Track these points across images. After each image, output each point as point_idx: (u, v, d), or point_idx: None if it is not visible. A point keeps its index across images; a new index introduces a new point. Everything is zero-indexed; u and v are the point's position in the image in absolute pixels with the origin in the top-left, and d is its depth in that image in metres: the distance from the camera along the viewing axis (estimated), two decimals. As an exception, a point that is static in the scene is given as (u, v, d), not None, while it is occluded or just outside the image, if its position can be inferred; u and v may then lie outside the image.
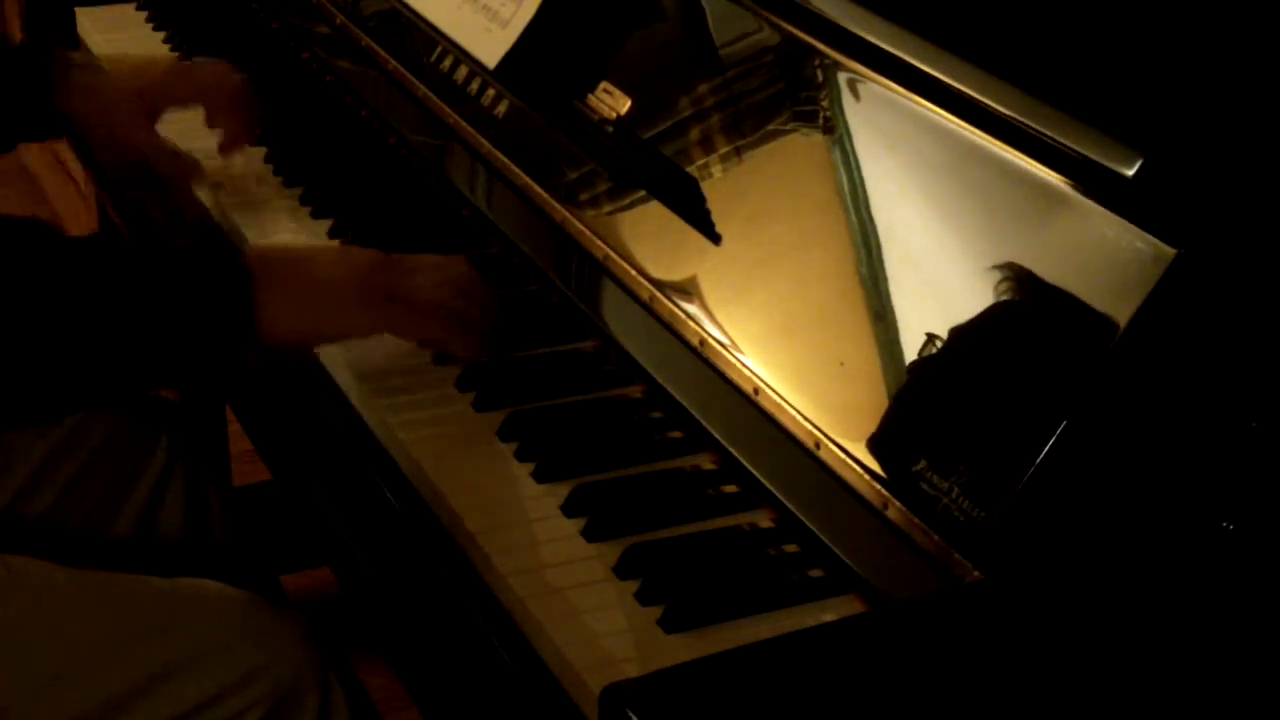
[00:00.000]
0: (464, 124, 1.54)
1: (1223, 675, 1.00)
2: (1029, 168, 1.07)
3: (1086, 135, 1.05)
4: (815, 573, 1.10)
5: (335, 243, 1.50)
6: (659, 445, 1.24)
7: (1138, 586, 0.98)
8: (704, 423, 1.22)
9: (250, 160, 1.64)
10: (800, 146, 1.24)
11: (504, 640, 1.06)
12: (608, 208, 1.36)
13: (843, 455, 1.09)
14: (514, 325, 1.37)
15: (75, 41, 1.96)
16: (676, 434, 1.24)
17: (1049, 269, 1.04)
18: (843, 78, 1.22)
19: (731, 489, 1.19)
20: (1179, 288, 0.98)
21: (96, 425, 1.53)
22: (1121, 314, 0.99)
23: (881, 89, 1.18)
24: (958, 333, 1.07)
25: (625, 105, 1.39)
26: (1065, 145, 1.06)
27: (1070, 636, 0.96)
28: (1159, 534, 0.99)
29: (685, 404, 1.24)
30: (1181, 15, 1.15)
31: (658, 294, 1.27)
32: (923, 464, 1.04)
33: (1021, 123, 1.08)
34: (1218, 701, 1.01)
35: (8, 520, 1.48)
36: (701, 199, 1.28)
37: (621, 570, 1.09)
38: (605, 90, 1.41)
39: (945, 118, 1.13)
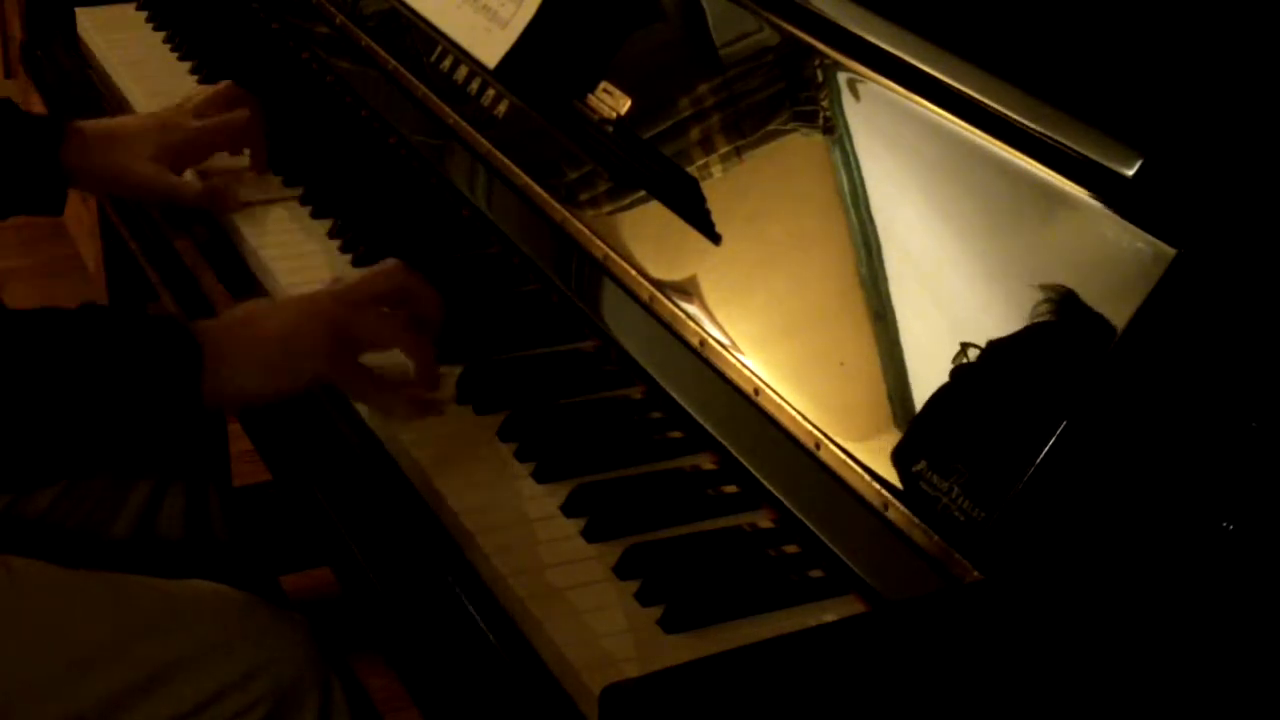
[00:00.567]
0: (464, 124, 1.54)
1: (1223, 675, 1.01)
2: (1029, 168, 1.07)
3: (1086, 135, 1.05)
4: (815, 573, 1.10)
5: (335, 244, 1.50)
6: (659, 445, 1.23)
7: (1138, 586, 0.98)
8: (704, 423, 1.22)
9: (250, 161, 1.64)
10: (800, 146, 1.24)
11: (503, 640, 1.06)
12: (608, 208, 1.36)
13: (843, 455, 1.09)
14: (514, 325, 1.37)
15: (75, 42, 1.96)
16: (676, 434, 1.24)
17: (1049, 269, 1.04)
18: (843, 78, 1.22)
19: (731, 489, 1.19)
20: (1179, 288, 0.98)
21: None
22: (1121, 314, 0.99)
23: (881, 89, 1.18)
24: (957, 333, 1.07)
25: (625, 105, 1.39)
26: (1065, 145, 1.06)
27: (1070, 637, 0.96)
28: (1159, 534, 0.99)
29: (685, 404, 1.24)
30: (1181, 15, 1.15)
31: (658, 294, 1.27)
32: (923, 464, 1.04)
33: (1021, 123, 1.08)
34: (1218, 701, 1.01)
35: (7, 521, 1.48)
36: (701, 199, 1.28)
37: (621, 570, 1.09)
38: (605, 90, 1.41)
39: (945, 118, 1.13)
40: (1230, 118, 1.08)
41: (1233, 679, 1.01)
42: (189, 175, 1.58)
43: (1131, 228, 1.00)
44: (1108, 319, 0.99)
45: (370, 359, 1.26)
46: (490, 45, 1.55)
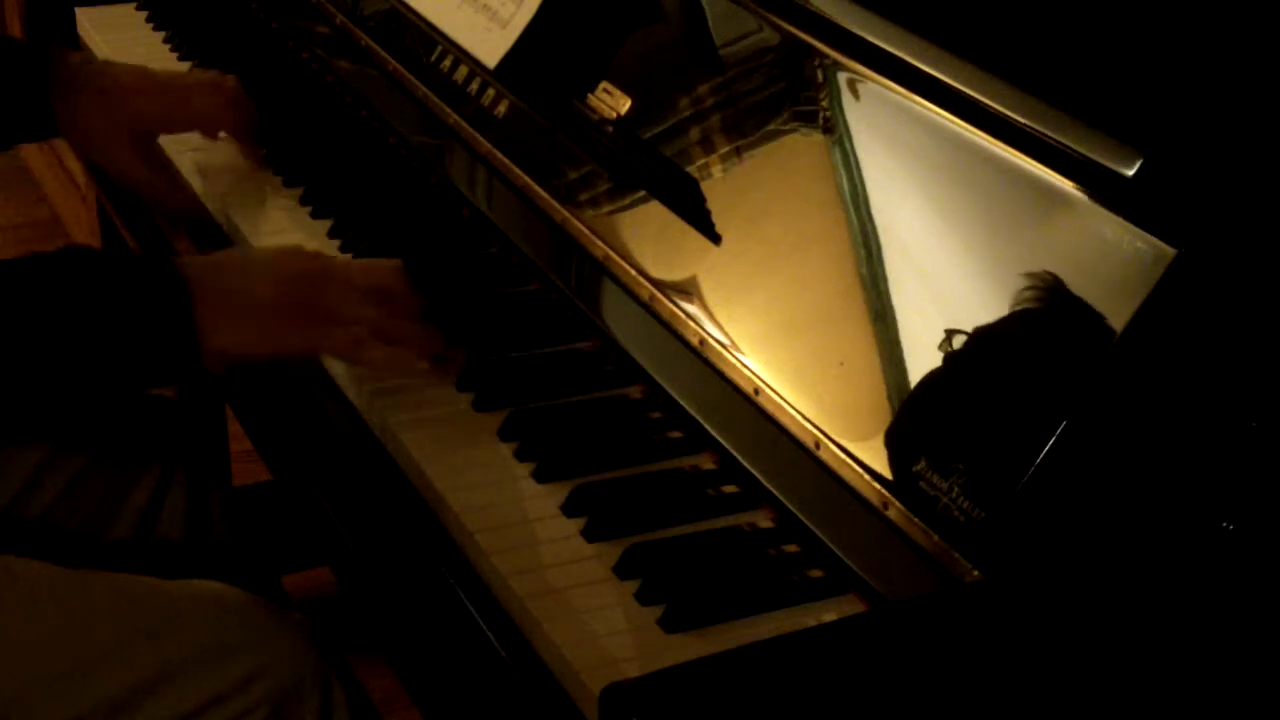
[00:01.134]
0: (464, 124, 1.54)
1: (1223, 675, 1.01)
2: (1029, 168, 1.07)
3: (1086, 135, 1.05)
4: (815, 573, 1.10)
5: (335, 244, 1.50)
6: (659, 445, 1.23)
7: (1138, 586, 0.98)
8: (704, 423, 1.22)
9: (250, 160, 1.64)
10: (800, 146, 1.24)
11: (504, 640, 1.06)
12: (608, 208, 1.36)
13: (843, 455, 1.09)
14: (514, 325, 1.37)
15: (75, 42, 1.96)
16: (676, 434, 1.24)
17: (1049, 269, 1.04)
18: (843, 78, 1.22)
19: (731, 489, 1.19)
20: (1179, 288, 0.98)
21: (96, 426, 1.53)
22: (1121, 314, 0.99)
23: (881, 89, 1.18)
24: (958, 333, 1.07)
25: (625, 105, 1.39)
26: (1065, 145, 1.06)
27: (1070, 636, 0.96)
28: (1159, 534, 0.99)
29: (685, 404, 1.24)
30: (1181, 15, 1.15)
31: (658, 294, 1.27)
32: (923, 464, 1.04)
33: (1021, 123, 1.08)
34: (1218, 701, 1.01)
35: (7, 521, 1.48)
36: (701, 199, 1.28)
37: (621, 570, 1.09)
38: (605, 90, 1.41)
39: (946, 118, 1.13)
40: (1230, 118, 1.08)
41: (1233, 679, 1.01)
42: (189, 167, 1.58)
43: (1131, 228, 1.00)
44: (1108, 319, 0.99)
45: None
46: (490, 45, 1.55)
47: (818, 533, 1.11)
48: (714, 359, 1.21)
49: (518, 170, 1.46)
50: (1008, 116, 1.09)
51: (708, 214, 1.27)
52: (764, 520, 1.16)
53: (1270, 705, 1.01)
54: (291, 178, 1.60)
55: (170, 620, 1.31)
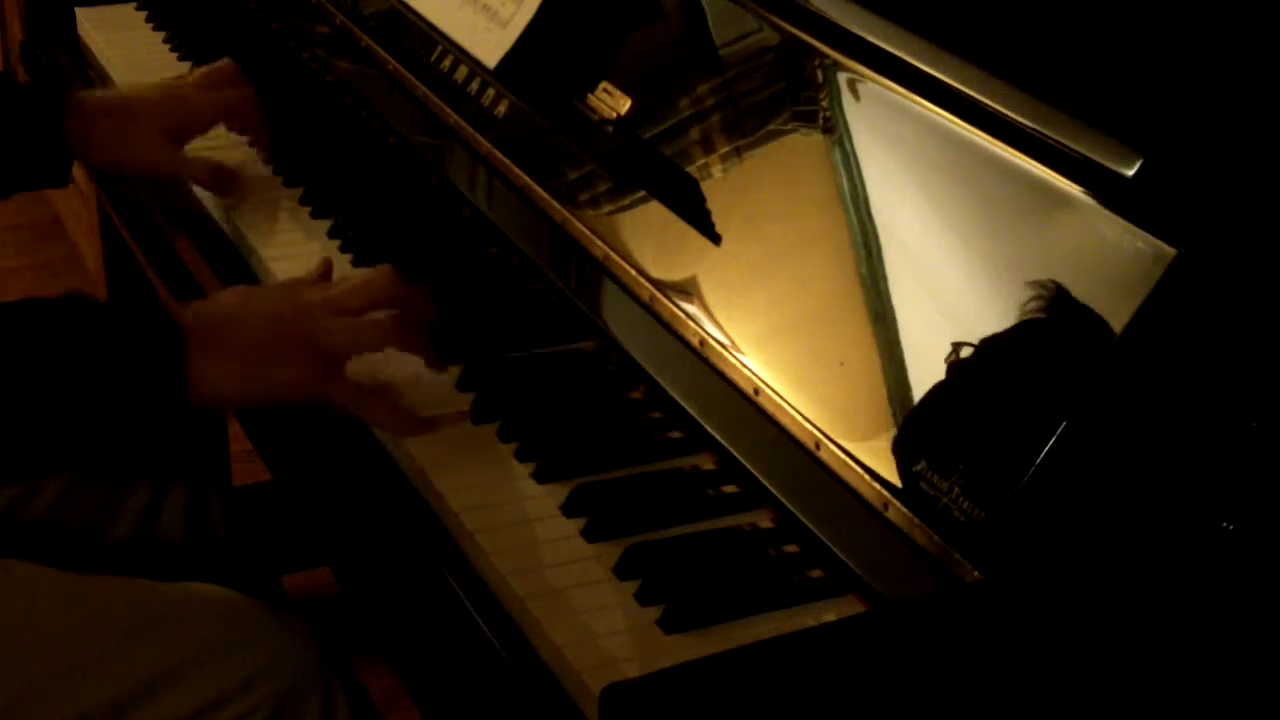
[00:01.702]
0: (464, 124, 1.54)
1: (1223, 675, 1.00)
2: (1029, 168, 1.07)
3: (1086, 135, 1.05)
4: (815, 573, 1.10)
5: (335, 244, 1.50)
6: (659, 445, 1.23)
7: (1138, 586, 0.98)
8: (704, 423, 1.22)
9: (250, 160, 1.64)
10: (800, 146, 1.24)
11: (503, 640, 1.06)
12: (608, 208, 1.36)
13: (843, 455, 1.09)
14: (514, 325, 1.37)
15: (75, 41, 1.96)
16: (676, 434, 1.24)
17: (1049, 269, 1.04)
18: (843, 78, 1.22)
19: (731, 489, 1.19)
20: (1179, 288, 0.98)
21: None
22: (1121, 314, 0.99)
23: (881, 89, 1.18)
24: (958, 333, 1.07)
25: (625, 105, 1.39)
26: (1065, 145, 1.06)
27: (1070, 636, 0.96)
28: (1159, 534, 0.99)
29: (685, 404, 1.24)
30: (1181, 15, 1.15)
31: (658, 294, 1.27)
32: (923, 464, 1.04)
33: (1021, 123, 1.08)
34: (1218, 701, 1.01)
35: (7, 524, 1.48)
36: (701, 199, 1.28)
37: (621, 570, 1.09)
38: (605, 90, 1.41)
39: (945, 118, 1.13)
40: (1230, 118, 1.08)
41: (1233, 679, 1.01)
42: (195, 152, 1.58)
43: (1132, 228, 1.00)
44: (1108, 319, 0.99)
45: (372, 367, 1.25)
46: (490, 45, 1.55)
47: (818, 533, 1.11)
48: (714, 359, 1.21)
49: (518, 170, 1.46)
50: (1008, 116, 1.09)
51: (708, 214, 1.27)
52: (764, 520, 1.16)
53: (1270, 705, 1.01)
54: (291, 178, 1.60)
55: (170, 622, 1.31)
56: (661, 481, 1.20)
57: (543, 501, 1.16)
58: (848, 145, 1.19)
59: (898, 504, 1.05)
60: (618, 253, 1.32)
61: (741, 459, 1.18)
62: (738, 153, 1.28)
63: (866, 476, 1.07)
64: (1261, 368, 1.00)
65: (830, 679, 0.90)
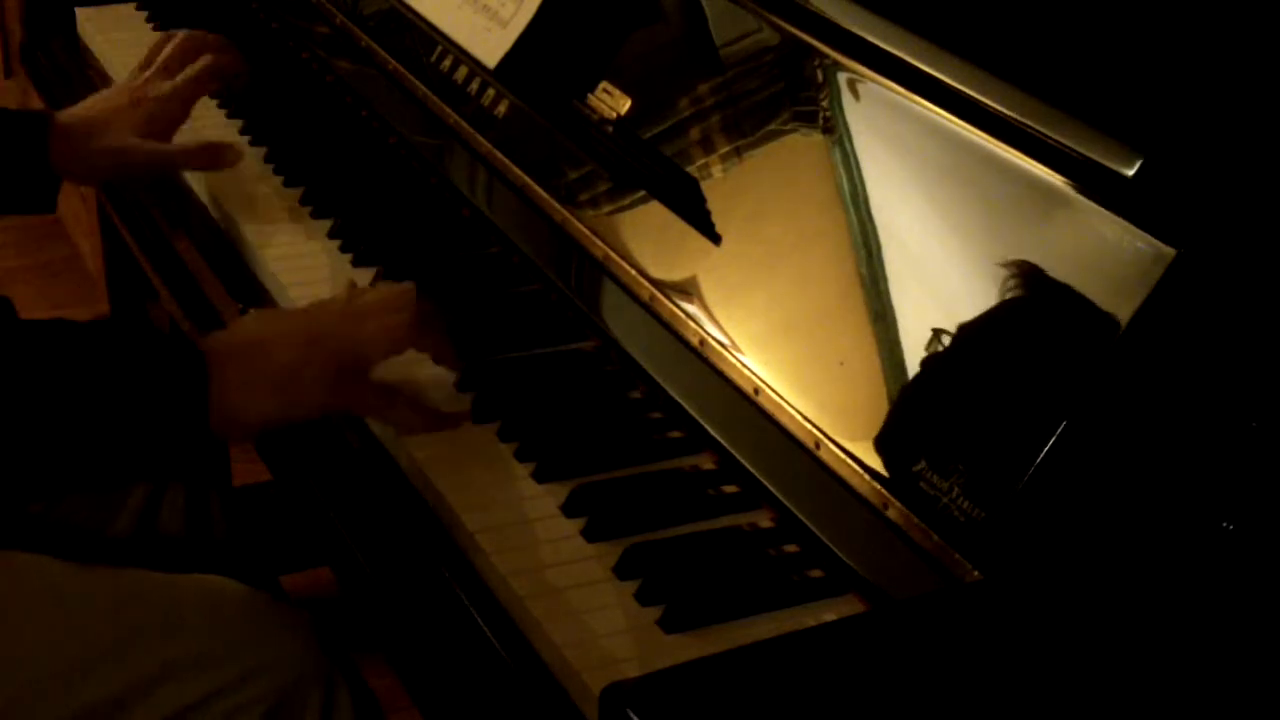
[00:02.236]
0: (464, 124, 1.54)
1: (1223, 675, 1.00)
2: (1029, 168, 1.07)
3: (1086, 135, 1.05)
4: (815, 573, 1.10)
5: (335, 244, 1.50)
6: (659, 445, 1.24)
7: (1138, 586, 0.98)
8: (704, 423, 1.22)
9: (250, 160, 1.64)
10: (800, 146, 1.24)
11: (504, 640, 1.06)
12: (608, 208, 1.36)
13: (843, 455, 1.09)
14: (514, 325, 1.37)
15: (75, 41, 1.96)
16: (676, 434, 1.24)
17: (1049, 269, 1.04)
18: (843, 78, 1.22)
19: (731, 489, 1.19)
20: (1179, 288, 0.98)
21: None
22: (1121, 314, 0.99)
23: (881, 89, 1.18)
24: (958, 333, 1.07)
25: (625, 105, 1.39)
26: (1065, 145, 1.06)
27: (1070, 636, 0.96)
28: (1159, 534, 0.99)
29: (685, 404, 1.24)
30: (1181, 15, 1.15)
31: (658, 294, 1.27)
32: (923, 464, 1.04)
33: (1021, 123, 1.08)
34: (1218, 701, 1.01)
35: (8, 517, 1.48)
36: (701, 199, 1.28)
37: (621, 570, 1.09)
38: (605, 90, 1.41)
39: (945, 118, 1.13)
40: (1230, 118, 1.08)
41: (1233, 679, 1.01)
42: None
43: (1131, 228, 1.00)
44: (1108, 319, 0.99)
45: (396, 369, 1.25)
46: (490, 45, 1.55)
47: (818, 533, 1.11)
48: (714, 359, 1.21)
49: (518, 170, 1.46)
50: (1007, 116, 1.09)
51: (708, 214, 1.27)
52: (764, 520, 1.16)
53: (1270, 705, 1.01)
54: (292, 178, 1.60)
55: (172, 616, 1.30)
56: (661, 481, 1.20)
57: (543, 501, 1.16)
58: (848, 145, 1.19)
59: (898, 504, 1.05)
60: (618, 253, 1.32)
61: (741, 459, 1.18)
62: (738, 153, 1.28)
63: (866, 476, 1.07)
64: (1261, 368, 1.00)
65: (830, 679, 0.90)
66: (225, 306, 1.47)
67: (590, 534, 1.13)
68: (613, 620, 1.06)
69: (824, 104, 1.23)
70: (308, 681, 1.29)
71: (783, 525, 1.15)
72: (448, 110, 1.57)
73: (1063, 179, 1.05)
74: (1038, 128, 1.07)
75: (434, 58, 1.62)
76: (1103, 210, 1.02)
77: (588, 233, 1.36)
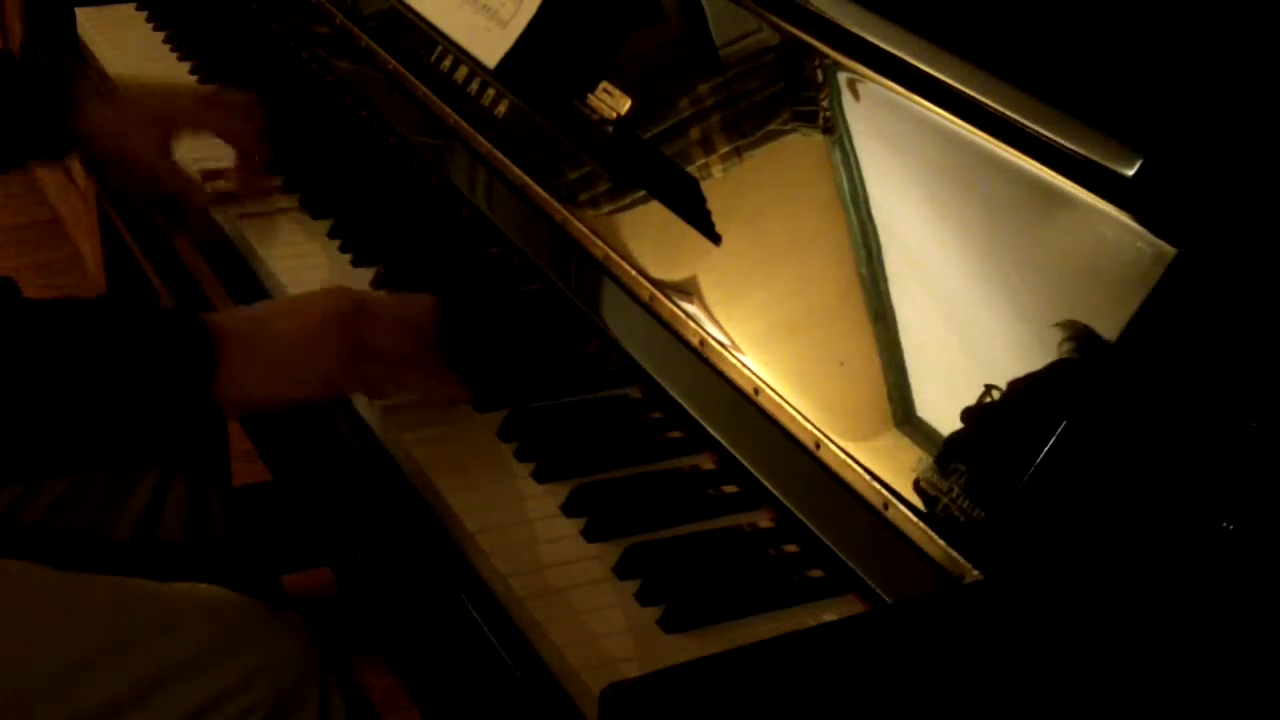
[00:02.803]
0: (464, 124, 1.54)
1: (1223, 675, 1.01)
2: (1029, 168, 1.07)
3: (1086, 135, 1.05)
4: (815, 573, 1.10)
5: (335, 244, 1.50)
6: (659, 445, 1.23)
7: (1138, 586, 0.98)
8: (704, 423, 1.22)
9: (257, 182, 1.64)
10: (800, 146, 1.24)
11: (504, 640, 1.06)
12: (608, 208, 1.36)
13: (843, 455, 1.09)
14: (514, 325, 1.37)
15: (75, 41, 1.96)
16: (676, 434, 1.24)
17: (1049, 269, 1.04)
18: (843, 78, 1.22)
19: (731, 489, 1.19)
20: (1179, 288, 0.98)
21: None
22: (1122, 314, 0.99)
23: (881, 89, 1.18)
24: (957, 333, 1.07)
25: (625, 105, 1.39)
26: (1065, 145, 1.06)
27: (1070, 636, 0.96)
28: (1159, 534, 0.99)
29: (685, 404, 1.24)
30: (1181, 15, 1.15)
31: (658, 294, 1.27)
32: (923, 464, 1.04)
33: (1021, 123, 1.08)
34: (1218, 701, 1.01)
35: (7, 524, 1.48)
36: (701, 199, 1.28)
37: (621, 570, 1.09)
38: (605, 90, 1.41)
39: (945, 118, 1.13)
40: (1230, 118, 1.08)
41: (1233, 679, 1.01)
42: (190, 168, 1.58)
43: (1132, 228, 1.00)
44: (1108, 318, 0.99)
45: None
46: (490, 45, 1.55)
47: (818, 533, 1.11)
48: (714, 359, 1.21)
49: (518, 170, 1.46)
50: (1008, 116, 1.09)
51: (708, 214, 1.27)
52: (764, 520, 1.16)
53: (1270, 705, 1.01)
54: (291, 179, 1.60)
55: (168, 622, 1.31)
56: (661, 481, 1.20)
57: (543, 501, 1.16)
58: (848, 145, 1.19)
59: (898, 504, 1.05)
60: (618, 253, 1.32)
61: (741, 459, 1.18)
62: (738, 153, 1.28)
63: (866, 476, 1.07)
64: (1261, 368, 1.00)
65: (830, 679, 0.90)
66: (225, 307, 1.47)
67: (590, 534, 1.13)
68: (613, 620, 1.06)
69: (824, 104, 1.23)
70: (305, 685, 1.29)
71: (783, 525, 1.15)
72: (448, 110, 1.57)
73: (1063, 179, 1.05)
74: (1038, 128, 1.07)
75: (434, 58, 1.62)
76: (1103, 210, 1.02)
77: (588, 233, 1.36)
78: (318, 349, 1.20)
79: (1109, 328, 0.99)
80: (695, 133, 1.32)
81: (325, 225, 1.53)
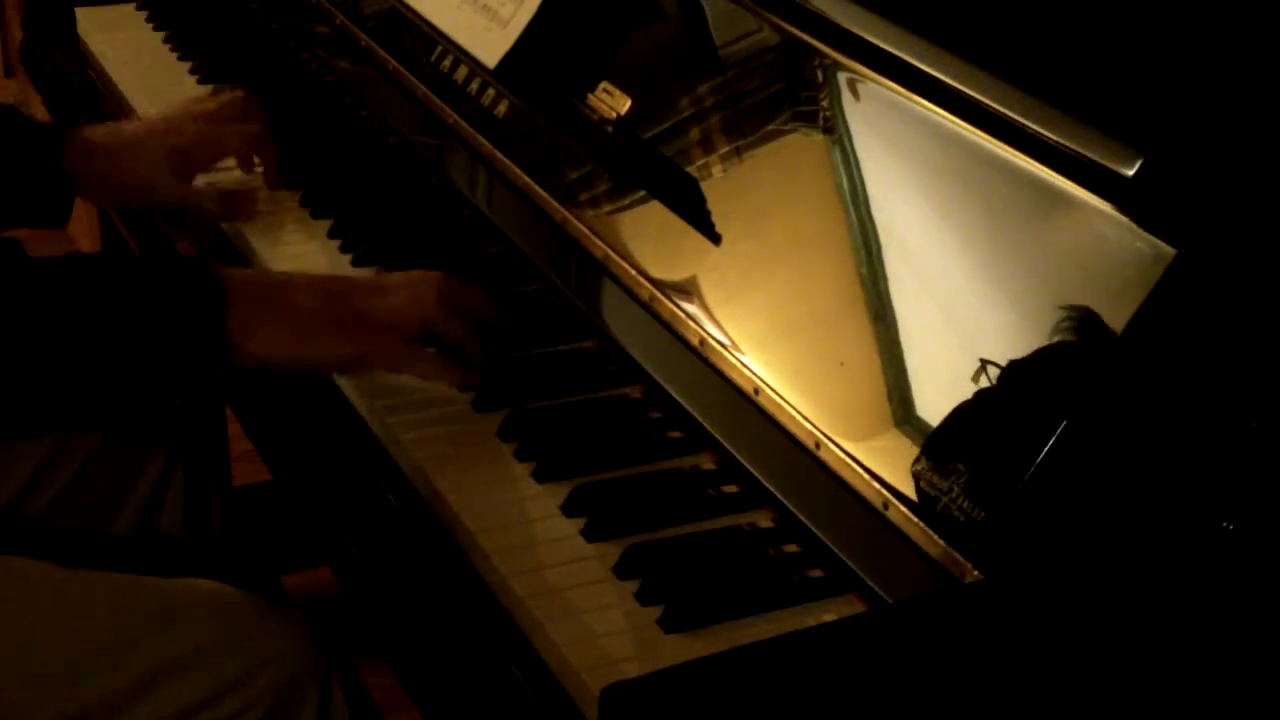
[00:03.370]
0: (464, 124, 1.54)
1: (1223, 675, 1.01)
2: (1029, 168, 1.07)
3: (1086, 135, 1.05)
4: (815, 573, 1.10)
5: (335, 244, 1.50)
6: (659, 445, 1.24)
7: (1138, 586, 0.98)
8: (704, 423, 1.22)
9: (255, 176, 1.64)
10: (800, 146, 1.24)
11: (503, 640, 1.06)
12: (608, 208, 1.36)
13: (843, 455, 1.09)
14: (514, 325, 1.37)
15: (75, 42, 1.96)
16: (676, 434, 1.24)
17: (1049, 269, 1.04)
18: (843, 78, 1.22)
19: (731, 489, 1.19)
20: (1179, 288, 0.98)
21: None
22: (1121, 314, 0.99)
23: (881, 89, 1.18)
24: (957, 333, 1.07)
25: (625, 105, 1.39)
26: (1065, 145, 1.06)
27: (1070, 636, 0.96)
28: (1159, 534, 0.99)
29: (685, 404, 1.24)
30: (1181, 15, 1.15)
31: (658, 294, 1.27)
32: (923, 464, 1.04)
33: (1021, 123, 1.08)
34: (1218, 701, 1.01)
35: (7, 520, 1.48)
36: (701, 199, 1.28)
37: (621, 570, 1.09)
38: (605, 90, 1.41)
39: (945, 118, 1.13)
40: (1230, 118, 1.08)
41: (1233, 679, 1.01)
42: (200, 183, 1.57)
43: (1132, 228, 1.00)
44: (1108, 319, 0.99)
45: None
46: (490, 45, 1.55)
47: (818, 533, 1.11)
48: (714, 359, 1.21)
49: (518, 170, 1.46)
50: (1008, 116, 1.09)
51: (708, 214, 1.27)
52: (764, 520, 1.16)
53: (1270, 705, 1.01)
54: (292, 178, 1.60)
55: (169, 619, 1.31)
56: (661, 481, 1.20)
57: (543, 501, 1.16)
58: (848, 145, 1.19)
59: (898, 504, 1.05)
60: (618, 253, 1.32)
61: (741, 459, 1.18)
62: (738, 153, 1.28)
63: (866, 476, 1.07)
64: (1261, 368, 1.00)
65: (830, 679, 0.90)
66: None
67: (590, 534, 1.13)
68: (613, 620, 1.06)
69: (824, 104, 1.23)
70: (305, 682, 1.29)
71: (783, 525, 1.15)
72: (448, 110, 1.57)
73: (1063, 179, 1.05)
74: (1038, 128, 1.07)
75: (434, 58, 1.62)
76: (1103, 210, 1.02)
77: (588, 233, 1.36)
78: (326, 320, 1.22)
79: (1109, 328, 0.99)
80: (695, 133, 1.32)
81: (325, 225, 1.53)
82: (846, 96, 1.21)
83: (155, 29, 1.97)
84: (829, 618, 1.07)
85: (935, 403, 1.07)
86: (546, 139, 1.45)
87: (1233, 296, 1.00)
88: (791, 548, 1.12)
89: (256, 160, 1.60)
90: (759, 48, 1.31)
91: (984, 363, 1.05)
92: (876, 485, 1.06)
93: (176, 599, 1.33)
